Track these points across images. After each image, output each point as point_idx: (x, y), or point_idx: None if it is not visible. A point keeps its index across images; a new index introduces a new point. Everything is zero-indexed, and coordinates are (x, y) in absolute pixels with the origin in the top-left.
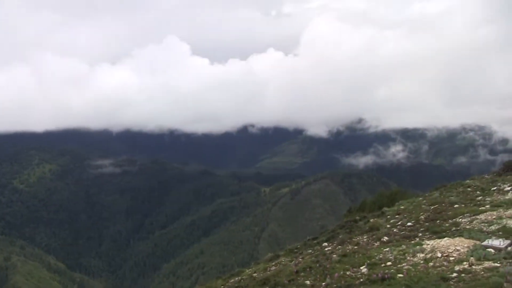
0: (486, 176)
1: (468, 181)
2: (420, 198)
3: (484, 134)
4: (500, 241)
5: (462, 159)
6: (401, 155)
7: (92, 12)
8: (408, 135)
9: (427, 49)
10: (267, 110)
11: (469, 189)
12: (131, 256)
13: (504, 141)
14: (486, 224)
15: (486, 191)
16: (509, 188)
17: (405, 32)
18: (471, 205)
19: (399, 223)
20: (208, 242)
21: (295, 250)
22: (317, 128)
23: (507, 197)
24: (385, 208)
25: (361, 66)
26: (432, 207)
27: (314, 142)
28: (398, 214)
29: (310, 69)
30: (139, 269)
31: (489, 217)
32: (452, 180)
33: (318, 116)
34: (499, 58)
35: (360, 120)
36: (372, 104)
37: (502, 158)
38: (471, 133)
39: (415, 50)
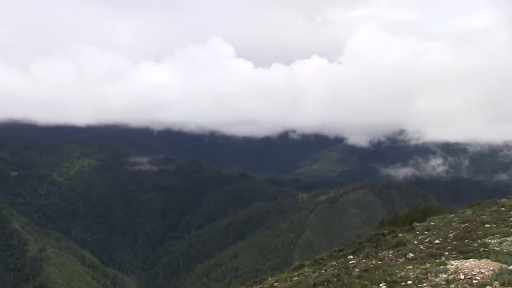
0: None
1: (504, 199)
2: (452, 215)
3: None
4: None
5: (503, 176)
6: (441, 169)
7: (137, 9)
8: (449, 149)
9: (471, 64)
10: (309, 116)
11: (503, 208)
12: (165, 254)
13: None
14: None
15: None
16: None
17: (449, 45)
18: (503, 225)
19: (427, 240)
20: (243, 245)
21: (320, 261)
22: (358, 137)
23: None
24: (415, 223)
25: (404, 77)
26: (463, 225)
27: (354, 151)
28: (428, 230)
29: (353, 77)
30: (173, 269)
31: None
32: (492, 197)
33: (359, 125)
34: None
35: (401, 132)
36: (414, 116)
37: None
38: None
39: (458, 64)
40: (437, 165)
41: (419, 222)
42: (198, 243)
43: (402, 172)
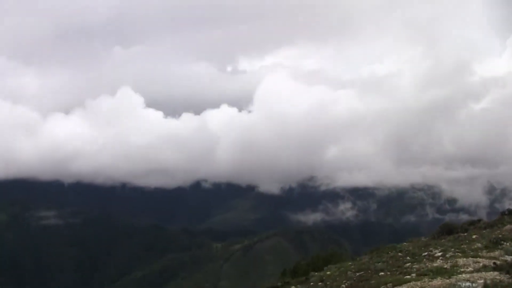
0: (422, 239)
1: (405, 243)
2: (350, 263)
3: (433, 193)
4: None
5: (411, 218)
6: (350, 213)
7: (45, 61)
8: (358, 194)
9: (377, 110)
10: (220, 165)
11: (400, 254)
12: None
13: (452, 200)
14: None
15: (416, 257)
16: (439, 254)
17: (357, 92)
18: (397, 273)
19: None
20: None
21: None
22: (269, 185)
23: (435, 264)
24: (312, 273)
25: (314, 125)
26: (358, 274)
27: (266, 198)
28: (322, 281)
29: (263, 126)
30: None
31: None
32: (401, 238)
33: (270, 172)
34: (444, 120)
35: (311, 178)
36: (323, 162)
37: (450, 217)
38: (420, 193)
39: (365, 111)
40: (346, 210)
41: (319, 270)
42: None
43: (312, 217)
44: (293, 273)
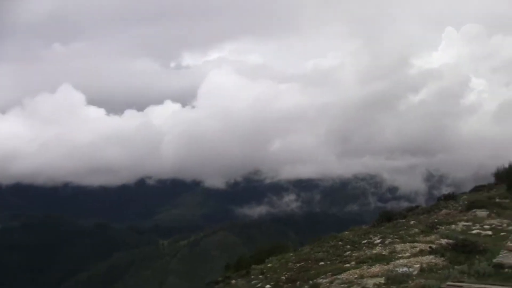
0: (363, 227)
1: (346, 232)
2: (291, 254)
3: (375, 182)
4: None
5: (354, 207)
6: (294, 205)
7: None
8: (302, 186)
9: (320, 103)
10: (165, 162)
11: (340, 242)
12: None
13: (394, 189)
14: (345, 286)
15: (356, 245)
16: (379, 241)
17: (300, 86)
18: (337, 262)
19: (259, 285)
20: None
21: None
22: (215, 180)
23: (374, 251)
24: (253, 266)
25: (258, 118)
26: (298, 264)
27: (211, 193)
28: (262, 274)
29: (207, 121)
30: None
31: (351, 276)
32: (345, 227)
33: (215, 167)
34: (385, 112)
35: (256, 171)
36: (268, 155)
37: (391, 205)
38: (362, 182)
39: (308, 104)
40: (290, 201)
41: (262, 263)
42: None
43: (257, 210)
44: (237, 266)
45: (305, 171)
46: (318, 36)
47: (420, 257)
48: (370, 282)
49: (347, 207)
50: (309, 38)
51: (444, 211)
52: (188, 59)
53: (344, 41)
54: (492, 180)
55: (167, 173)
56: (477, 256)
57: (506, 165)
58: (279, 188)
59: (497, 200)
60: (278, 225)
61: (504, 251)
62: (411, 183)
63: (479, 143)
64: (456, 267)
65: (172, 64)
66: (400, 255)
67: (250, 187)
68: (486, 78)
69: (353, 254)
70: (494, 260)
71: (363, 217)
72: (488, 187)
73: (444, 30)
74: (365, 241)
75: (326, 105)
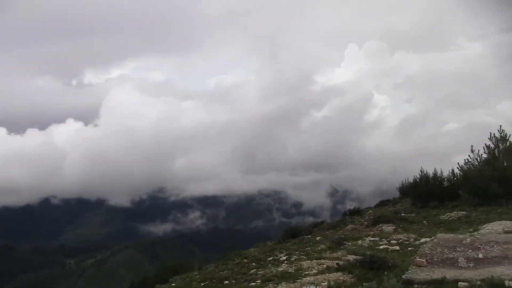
0: (269, 243)
1: (252, 248)
2: (195, 273)
3: (280, 198)
4: None
5: (259, 223)
6: (199, 221)
7: None
8: (207, 202)
9: (224, 120)
10: (69, 180)
11: (245, 260)
12: None
13: (298, 204)
14: None
15: (262, 262)
16: (284, 258)
17: (202, 103)
18: (242, 280)
19: None
20: None
21: None
22: (119, 198)
23: (280, 269)
24: (157, 286)
25: (161, 136)
26: (203, 284)
27: (116, 211)
28: None
29: (110, 139)
30: None
31: None
32: (251, 243)
33: (120, 185)
34: (289, 128)
35: (161, 189)
36: (172, 173)
37: (296, 220)
38: (267, 199)
39: (212, 121)
40: (195, 218)
41: (167, 282)
42: None
43: (162, 228)
44: (141, 286)
45: (210, 188)
46: (219, 53)
47: (327, 274)
48: None
49: (252, 223)
50: (211, 55)
51: (350, 226)
52: (90, 76)
53: (246, 58)
54: (395, 194)
55: (72, 192)
56: (385, 273)
57: (411, 179)
58: (183, 205)
59: (403, 214)
60: (184, 242)
61: (413, 267)
62: (316, 198)
63: (381, 158)
64: (364, 284)
65: (74, 82)
66: (306, 272)
67: (155, 205)
68: (388, 94)
69: (259, 272)
70: (404, 276)
71: (268, 233)
72: (393, 201)
73: (347, 47)
74: (271, 258)
75: (230, 122)
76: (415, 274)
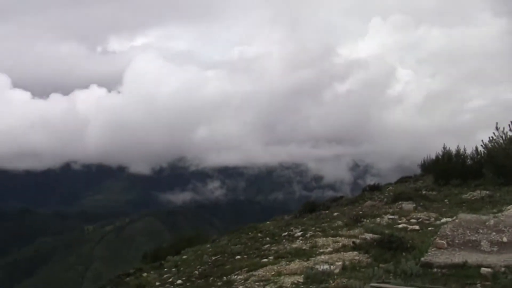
0: (285, 217)
1: (268, 222)
2: (208, 245)
3: (301, 171)
4: None
5: (279, 195)
6: (219, 192)
7: None
8: (227, 173)
9: (246, 91)
10: (90, 147)
11: (260, 234)
12: None
13: (319, 178)
14: (261, 284)
15: (276, 237)
16: (300, 234)
17: (225, 73)
18: (254, 256)
19: (170, 280)
20: (30, 283)
21: None
22: (140, 166)
23: (294, 245)
24: (168, 257)
25: (184, 105)
26: (214, 258)
27: (137, 179)
28: (176, 267)
29: (132, 106)
30: None
31: (268, 272)
32: (270, 215)
33: (140, 153)
34: (311, 101)
35: (181, 158)
36: (194, 142)
37: (316, 193)
38: (287, 171)
39: (234, 92)
40: (214, 189)
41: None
42: None
43: (181, 197)
44: (154, 257)
45: (231, 158)
46: (242, 23)
47: (342, 253)
48: (288, 280)
49: (272, 195)
50: (234, 24)
51: (369, 202)
52: (115, 44)
53: (269, 28)
54: (416, 171)
55: (93, 158)
56: (403, 254)
57: (433, 156)
58: (204, 175)
59: (424, 192)
60: (203, 212)
61: (433, 249)
62: (337, 172)
63: (403, 134)
64: (381, 265)
65: (99, 49)
66: (321, 250)
67: (175, 174)
68: (412, 69)
69: (272, 248)
70: (422, 259)
71: (288, 206)
72: (414, 178)
73: (371, 20)
74: (286, 233)
75: (252, 93)
76: (434, 256)
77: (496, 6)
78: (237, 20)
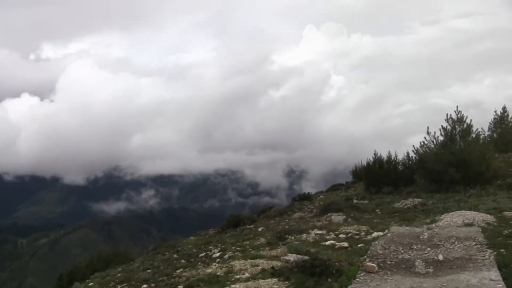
0: (210, 232)
1: (192, 238)
2: (119, 269)
3: (237, 178)
4: None
5: (215, 203)
6: (153, 201)
7: None
8: (163, 181)
9: (182, 98)
10: (23, 157)
11: (176, 255)
12: None
13: (255, 184)
14: None
15: (192, 259)
16: (218, 254)
17: (161, 81)
18: (163, 284)
19: None
20: None
21: None
22: (75, 176)
23: (208, 270)
24: (75, 284)
25: (120, 113)
26: (120, 286)
27: (71, 190)
28: None
29: (66, 115)
30: None
31: None
32: (207, 222)
33: (75, 163)
34: (247, 107)
35: (116, 167)
36: (129, 151)
37: (252, 200)
38: (223, 178)
39: (170, 99)
40: (148, 197)
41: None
42: None
43: (115, 206)
44: (70, 277)
45: (166, 166)
46: (179, 31)
47: (260, 280)
48: None
49: (207, 202)
50: (171, 33)
51: (297, 214)
52: (49, 51)
53: (206, 37)
54: (349, 177)
55: (25, 169)
56: (329, 280)
57: (364, 162)
58: (138, 184)
59: (355, 201)
60: (138, 222)
61: (362, 273)
62: (272, 178)
63: (338, 139)
64: None
65: (32, 56)
66: (237, 277)
67: (110, 183)
68: (345, 75)
69: (184, 274)
70: (350, 287)
71: (224, 213)
72: (346, 185)
73: (305, 28)
74: (203, 253)
75: (188, 101)
76: (363, 284)
77: (423, 16)
78: (173, 29)
